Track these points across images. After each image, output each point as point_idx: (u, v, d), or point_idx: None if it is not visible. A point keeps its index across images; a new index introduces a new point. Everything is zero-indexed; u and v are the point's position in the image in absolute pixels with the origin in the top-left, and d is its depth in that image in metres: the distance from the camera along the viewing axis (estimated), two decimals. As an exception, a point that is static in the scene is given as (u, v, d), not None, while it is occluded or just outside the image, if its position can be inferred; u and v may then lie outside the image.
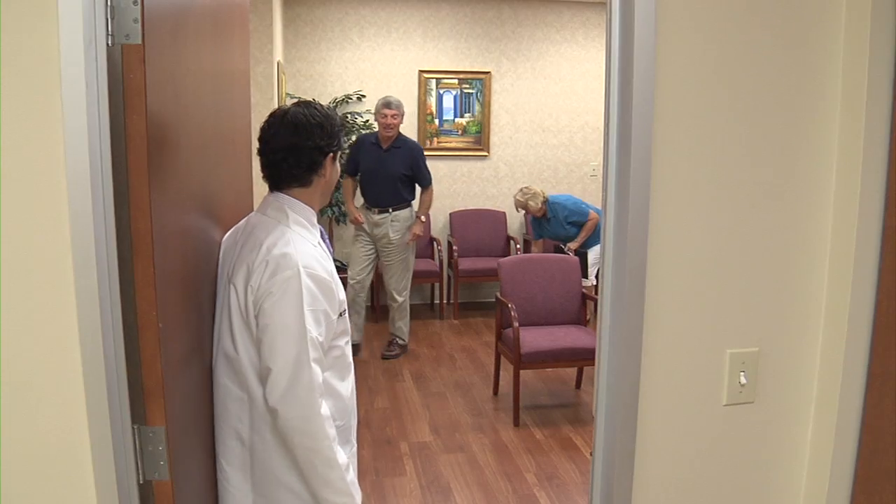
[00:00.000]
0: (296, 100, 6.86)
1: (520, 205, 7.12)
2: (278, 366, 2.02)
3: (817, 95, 1.78)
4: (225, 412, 2.17)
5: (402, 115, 6.54)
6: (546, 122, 8.37)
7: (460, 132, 8.20)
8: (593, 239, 7.02)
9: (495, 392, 5.78)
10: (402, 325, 6.80)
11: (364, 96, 7.89)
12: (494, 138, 8.29)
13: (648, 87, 1.67)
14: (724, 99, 1.74)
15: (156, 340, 1.62)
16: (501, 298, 5.51)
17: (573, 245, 6.91)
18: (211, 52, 2.17)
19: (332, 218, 7.78)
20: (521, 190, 7.17)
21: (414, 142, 6.77)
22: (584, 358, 5.21)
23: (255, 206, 2.75)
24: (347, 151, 6.59)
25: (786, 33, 1.75)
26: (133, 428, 1.62)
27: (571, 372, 6.03)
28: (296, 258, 2.06)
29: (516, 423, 5.21)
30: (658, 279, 1.75)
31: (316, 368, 2.06)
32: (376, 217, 6.47)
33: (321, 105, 2.28)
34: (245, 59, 2.78)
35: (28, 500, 1.58)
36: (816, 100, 1.78)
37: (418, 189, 6.69)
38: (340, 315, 2.21)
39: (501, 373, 5.78)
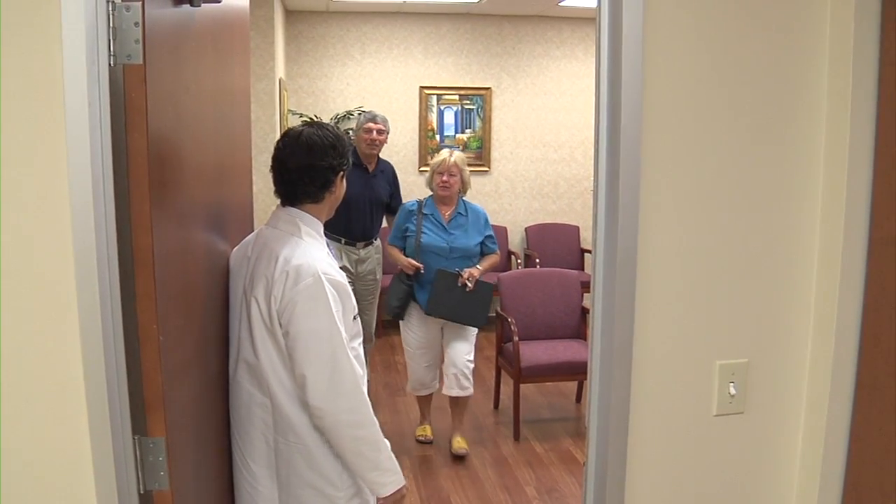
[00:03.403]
0: (297, 116, 6.77)
1: (452, 169, 4.86)
2: (314, 368, 2.17)
3: (804, 112, 1.81)
4: (250, 416, 2.29)
5: (388, 133, 5.59)
6: (546, 138, 8.39)
7: (461, 148, 8.21)
8: None
9: (496, 406, 5.79)
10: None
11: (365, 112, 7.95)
12: (495, 154, 8.31)
13: (636, 104, 1.70)
14: (710, 114, 1.77)
15: (156, 353, 1.65)
16: (501, 313, 5.53)
17: (475, 271, 4.77)
18: (211, 70, 2.21)
19: None
20: (453, 152, 4.98)
21: (388, 161, 5.83)
22: (584, 372, 5.18)
23: (255, 221, 2.80)
24: None
25: (771, 49, 1.78)
26: (134, 439, 1.64)
27: (572, 385, 6.03)
28: (314, 265, 2.19)
29: (516, 436, 5.22)
30: (647, 292, 1.78)
31: (353, 360, 2.23)
32: (362, 252, 5.48)
33: (331, 126, 2.43)
34: (245, 77, 2.82)
35: (30, 513, 1.60)
36: (803, 116, 1.81)
37: None
38: (354, 318, 2.34)
39: (502, 387, 5.79)
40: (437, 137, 8.21)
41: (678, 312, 1.82)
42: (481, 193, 8.29)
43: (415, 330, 4.94)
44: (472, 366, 4.96)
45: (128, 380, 1.62)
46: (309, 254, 2.23)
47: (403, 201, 5.47)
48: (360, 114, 7.82)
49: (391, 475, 2.32)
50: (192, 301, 2.02)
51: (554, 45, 8.28)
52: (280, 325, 2.19)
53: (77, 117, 1.49)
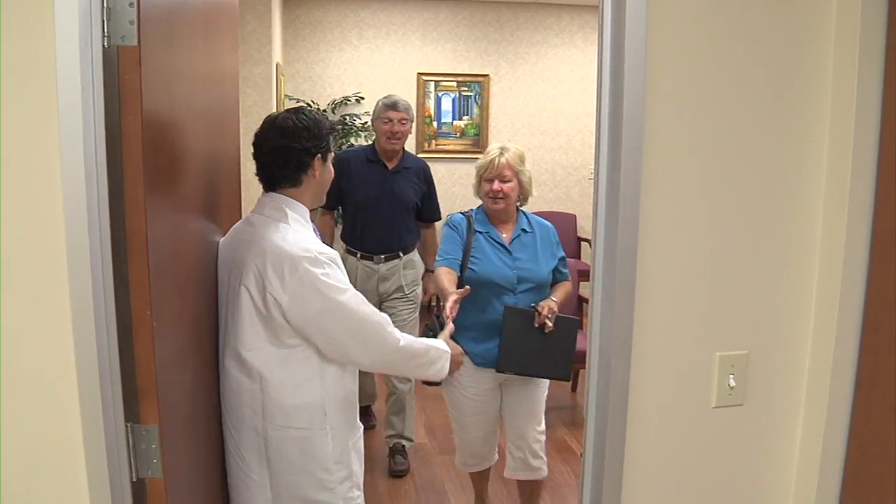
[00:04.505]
0: (294, 101, 6.67)
1: (504, 173, 3.42)
2: (351, 340, 2.32)
3: (809, 102, 1.79)
4: (239, 403, 2.31)
5: (412, 122, 4.57)
6: (544, 125, 8.37)
7: (458, 135, 8.21)
8: None
9: (491, 394, 5.77)
10: (410, 418, 4.72)
11: (363, 98, 7.90)
12: (493, 141, 8.22)
13: (639, 94, 1.68)
14: (714, 104, 1.75)
15: (150, 339, 1.63)
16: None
17: (554, 304, 3.39)
18: (203, 54, 2.19)
19: None
20: (506, 149, 3.47)
21: (420, 158, 4.83)
22: (580, 361, 5.19)
23: (244, 207, 2.80)
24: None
25: (777, 37, 1.76)
26: (126, 426, 1.62)
27: (567, 374, 6.02)
28: (307, 247, 2.23)
29: (512, 425, 5.19)
30: (648, 282, 1.76)
31: (370, 314, 2.34)
32: (384, 268, 4.50)
33: (312, 110, 2.44)
34: (234, 62, 2.80)
35: (21, 498, 1.59)
36: (808, 107, 1.79)
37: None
38: None
39: (497, 375, 5.77)
40: (435, 124, 8.19)
41: (678, 303, 1.80)
42: (478, 181, 8.27)
43: (466, 389, 3.50)
44: (543, 438, 3.61)
45: (121, 366, 1.60)
46: (298, 238, 2.25)
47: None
48: (357, 99, 7.83)
49: (442, 359, 2.57)
50: (186, 287, 2.01)
51: (553, 32, 8.25)
52: (283, 312, 2.21)
53: (70, 100, 1.47)
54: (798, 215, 1.83)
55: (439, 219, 4.71)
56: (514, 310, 3.36)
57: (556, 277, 3.57)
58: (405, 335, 2.44)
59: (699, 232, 1.79)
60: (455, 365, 2.67)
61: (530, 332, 3.35)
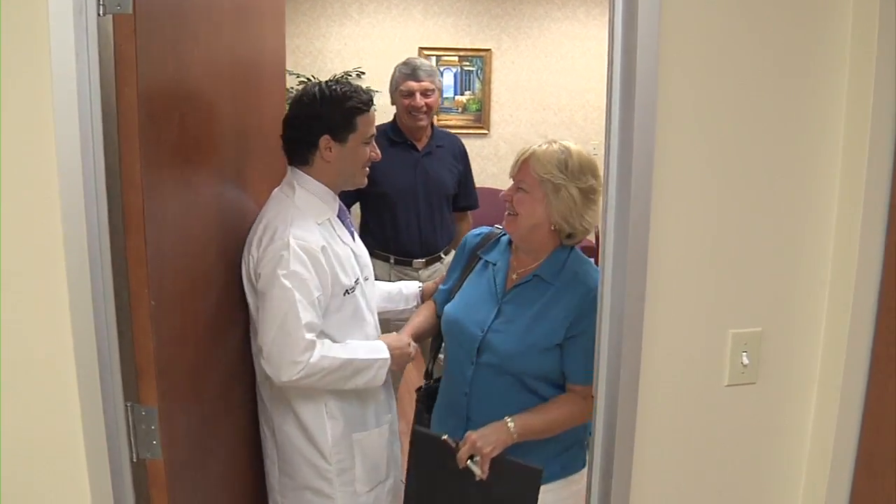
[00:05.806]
0: (295, 76, 6.51)
1: (523, 178, 2.41)
2: (262, 339, 2.13)
3: (826, 78, 1.75)
4: (259, 376, 2.32)
5: (440, 91, 3.73)
6: (547, 101, 8.30)
7: (460, 110, 8.15)
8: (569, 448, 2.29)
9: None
10: None
11: (363, 73, 7.81)
12: (495, 116, 8.23)
13: (652, 63, 1.63)
14: (729, 78, 1.71)
15: (147, 319, 1.60)
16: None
17: (494, 437, 2.07)
18: (231, 24, 2.13)
19: None
20: (549, 146, 2.45)
21: (452, 134, 3.99)
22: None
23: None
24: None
25: (793, 12, 1.71)
26: (126, 406, 1.60)
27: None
28: (287, 229, 2.13)
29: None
30: (660, 258, 1.73)
31: (303, 327, 2.10)
32: (425, 275, 3.56)
33: (342, 83, 2.27)
34: (278, 31, 2.74)
35: (19, 479, 1.57)
36: (824, 80, 1.75)
37: None
38: (346, 293, 2.27)
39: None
40: (436, 99, 8.13)
41: (691, 280, 1.77)
42: (480, 156, 8.24)
43: None
44: None
45: (121, 346, 1.58)
46: (289, 217, 2.17)
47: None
48: (358, 74, 7.75)
49: (376, 365, 2.27)
50: (195, 264, 1.97)
51: (555, 6, 8.17)
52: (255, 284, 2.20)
53: (64, 70, 1.43)
54: (814, 190, 1.79)
55: (477, 206, 3.93)
56: (424, 435, 2.24)
57: (568, 375, 2.19)
58: (338, 351, 2.18)
59: (712, 208, 1.75)
60: (400, 362, 2.34)
61: (449, 473, 2.12)
